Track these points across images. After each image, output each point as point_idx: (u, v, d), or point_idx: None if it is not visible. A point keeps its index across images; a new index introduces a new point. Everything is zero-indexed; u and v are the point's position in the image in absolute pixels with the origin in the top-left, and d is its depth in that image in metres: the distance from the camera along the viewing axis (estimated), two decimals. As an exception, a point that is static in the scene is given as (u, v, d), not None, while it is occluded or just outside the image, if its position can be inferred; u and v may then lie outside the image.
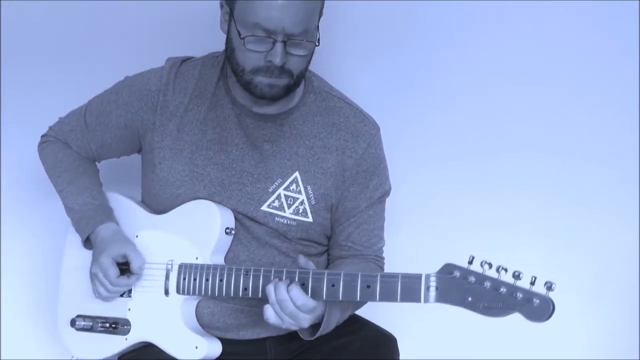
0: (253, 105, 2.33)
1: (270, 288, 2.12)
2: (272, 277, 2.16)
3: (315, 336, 2.20)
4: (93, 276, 2.35)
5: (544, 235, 2.88)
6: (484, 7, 2.88)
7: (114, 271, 2.31)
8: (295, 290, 2.10)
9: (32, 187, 2.91)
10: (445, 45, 2.91)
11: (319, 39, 2.23)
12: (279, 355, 2.36)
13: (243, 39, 2.18)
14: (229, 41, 2.27)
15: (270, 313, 2.14)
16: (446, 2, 2.89)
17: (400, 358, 2.34)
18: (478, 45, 2.90)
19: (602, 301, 2.88)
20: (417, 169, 2.89)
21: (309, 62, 2.27)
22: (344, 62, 2.87)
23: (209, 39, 2.49)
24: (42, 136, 2.56)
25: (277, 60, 2.18)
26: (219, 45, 2.41)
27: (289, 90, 2.26)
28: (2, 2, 2.94)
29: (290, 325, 2.14)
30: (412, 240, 2.85)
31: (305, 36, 2.19)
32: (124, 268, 2.33)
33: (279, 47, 2.17)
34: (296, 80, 2.25)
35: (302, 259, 2.16)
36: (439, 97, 2.91)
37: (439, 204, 2.92)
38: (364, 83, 2.83)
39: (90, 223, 2.39)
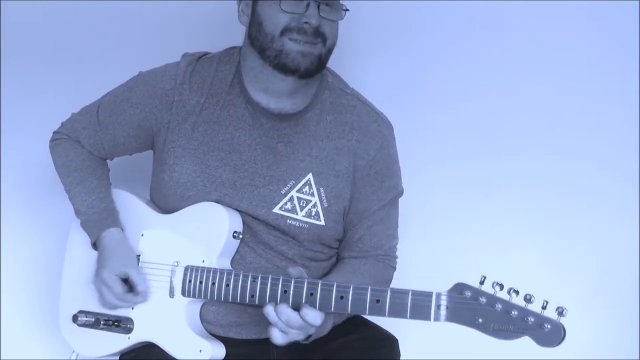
0: (271, 102, 2.32)
1: (270, 309, 2.12)
2: (279, 285, 2.13)
3: (310, 340, 2.19)
4: (97, 288, 2.35)
5: (545, 235, 2.89)
6: (483, 7, 2.89)
7: (119, 288, 2.30)
8: (311, 313, 2.09)
9: (33, 186, 2.92)
10: (447, 46, 2.92)
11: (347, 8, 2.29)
12: (282, 356, 2.35)
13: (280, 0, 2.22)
14: (254, 20, 2.28)
15: (276, 334, 2.13)
16: (449, 3, 2.89)
17: (401, 358, 2.34)
18: (479, 46, 2.91)
19: (602, 301, 2.88)
20: (421, 165, 2.89)
21: (337, 34, 2.30)
22: (347, 62, 2.87)
23: (223, 35, 2.50)
24: (54, 133, 2.53)
25: (314, 21, 2.22)
26: (234, 41, 2.42)
27: (320, 62, 2.27)
28: (2, 2, 2.94)
29: (297, 336, 2.15)
30: (414, 242, 2.85)
31: None
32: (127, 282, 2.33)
33: (313, 6, 2.22)
34: (327, 51, 2.28)
35: (293, 271, 2.13)
36: (441, 98, 2.93)
37: (440, 203, 2.93)
38: (369, 83, 2.82)
39: (96, 227, 2.38)
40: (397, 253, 2.46)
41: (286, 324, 2.10)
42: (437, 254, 2.91)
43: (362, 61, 2.92)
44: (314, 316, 2.09)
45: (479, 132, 2.91)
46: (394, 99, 2.89)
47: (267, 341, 2.32)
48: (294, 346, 2.31)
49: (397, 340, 2.36)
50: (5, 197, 2.97)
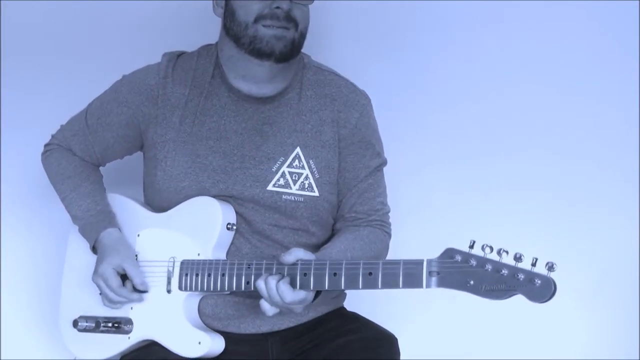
0: (252, 88, 2.37)
1: (261, 284, 2.14)
2: (274, 270, 2.16)
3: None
4: (96, 283, 2.35)
5: (544, 235, 2.87)
6: (483, 7, 2.89)
7: (115, 281, 2.32)
8: (283, 286, 2.12)
9: (33, 188, 2.91)
10: (447, 46, 2.92)
11: None
12: (281, 355, 2.35)
13: None
14: (228, 10, 2.33)
15: (266, 307, 2.15)
16: (449, 3, 2.90)
17: (401, 358, 2.33)
18: (479, 46, 2.91)
19: (602, 301, 2.88)
20: (421, 165, 2.91)
21: (308, 19, 2.34)
22: (347, 62, 2.87)
23: (205, 39, 2.50)
24: (45, 145, 2.56)
25: (285, 6, 2.27)
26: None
27: (294, 46, 2.31)
28: (2, 2, 2.94)
29: (286, 310, 2.17)
30: (414, 242, 2.84)
31: None
32: (125, 279, 2.33)
33: None
34: (300, 35, 2.32)
35: (288, 258, 2.15)
36: (441, 98, 2.92)
37: (442, 202, 2.93)
38: (369, 82, 2.83)
39: (94, 230, 2.39)
40: (396, 247, 2.46)
41: (271, 300, 2.13)
42: (437, 254, 2.90)
43: (362, 61, 2.92)
44: (283, 289, 2.12)
45: (479, 132, 2.91)
46: (394, 99, 2.89)
47: (266, 337, 2.35)
48: (293, 345, 2.35)
49: (396, 339, 2.35)
50: (5, 197, 2.97)
